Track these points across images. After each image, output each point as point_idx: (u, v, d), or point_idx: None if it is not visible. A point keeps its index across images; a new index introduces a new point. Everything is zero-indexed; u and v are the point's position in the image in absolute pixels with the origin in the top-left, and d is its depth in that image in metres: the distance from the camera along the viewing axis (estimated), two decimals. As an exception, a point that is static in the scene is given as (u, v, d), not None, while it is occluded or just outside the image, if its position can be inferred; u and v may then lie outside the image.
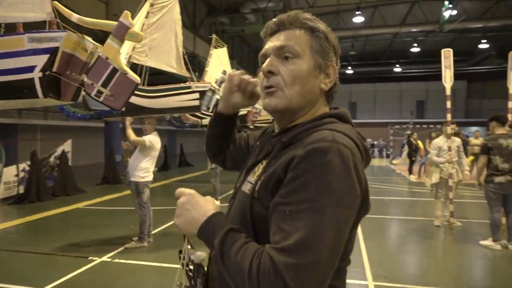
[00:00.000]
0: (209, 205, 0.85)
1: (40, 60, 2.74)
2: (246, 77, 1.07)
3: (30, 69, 2.74)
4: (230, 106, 1.12)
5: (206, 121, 9.26)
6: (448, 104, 6.08)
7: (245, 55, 28.19)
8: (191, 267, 0.92)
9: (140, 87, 5.14)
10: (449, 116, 5.97)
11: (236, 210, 0.91)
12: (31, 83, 2.73)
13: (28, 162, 8.77)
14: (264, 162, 0.89)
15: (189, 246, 0.93)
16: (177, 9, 6.35)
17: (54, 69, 2.87)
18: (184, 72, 6.22)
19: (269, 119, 12.57)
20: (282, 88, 0.87)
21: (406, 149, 14.64)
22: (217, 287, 0.90)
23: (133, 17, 3.63)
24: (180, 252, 0.95)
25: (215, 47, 8.55)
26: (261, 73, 0.91)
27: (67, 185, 9.36)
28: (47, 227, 6.44)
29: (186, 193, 0.87)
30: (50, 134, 15.76)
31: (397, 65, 31.88)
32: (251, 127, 10.04)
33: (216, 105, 6.79)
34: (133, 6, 13.84)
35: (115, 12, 13.53)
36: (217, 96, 6.42)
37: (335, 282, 0.82)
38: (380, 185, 11.14)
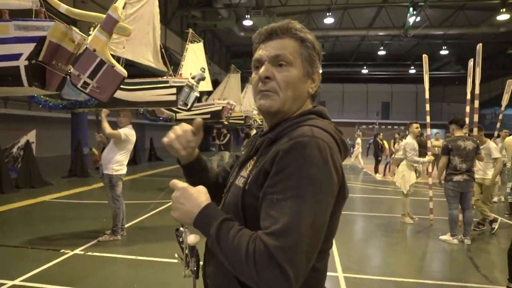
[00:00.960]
0: (201, 197, 0.93)
1: (26, 49, 2.69)
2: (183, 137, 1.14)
3: (16, 57, 2.68)
4: (185, 158, 1.18)
5: (180, 115, 9.21)
6: (427, 107, 6.34)
7: (217, 50, 28.03)
8: (186, 251, 1.03)
9: (130, 80, 5.08)
10: (428, 118, 6.32)
11: (230, 201, 1.01)
12: (16, 71, 2.68)
13: (-10, 153, 8.35)
14: (254, 158, 1.01)
15: (185, 229, 1.02)
16: (155, 2, 6.27)
17: (40, 58, 2.82)
18: (161, 66, 6.17)
19: (242, 116, 12.72)
20: (277, 92, 0.98)
21: (357, 149, 15.47)
22: (211, 272, 1.03)
23: (108, 6, 3.60)
24: (177, 230, 1.05)
25: (191, 42, 8.51)
26: (254, 76, 1.01)
27: (32, 177, 8.98)
28: (13, 220, 6.20)
29: (179, 187, 0.95)
30: (11, 124, 14.98)
31: (364, 67, 32.94)
32: (225, 122, 10.08)
33: (194, 101, 6.84)
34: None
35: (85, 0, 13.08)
36: (196, 93, 6.44)
37: (318, 264, 0.94)
38: (347, 183, 11.55)
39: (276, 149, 0.89)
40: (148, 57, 6.14)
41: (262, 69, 0.99)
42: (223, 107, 9.62)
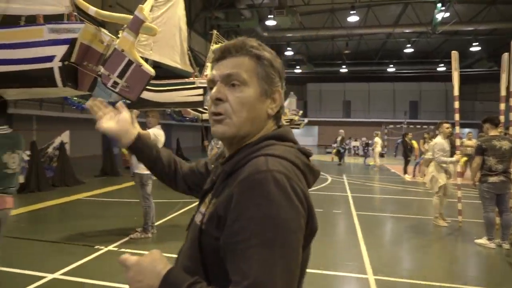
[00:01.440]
0: (158, 265, 0.82)
1: (59, 51, 2.77)
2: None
3: (50, 58, 2.78)
4: (123, 139, 1.20)
5: (206, 115, 9.30)
6: (456, 104, 6.16)
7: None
8: None
9: (157, 82, 5.20)
10: (457, 116, 6.12)
11: (189, 241, 0.93)
12: (50, 72, 2.77)
13: (28, 152, 8.76)
14: (210, 194, 0.93)
15: None
16: (181, 4, 6.38)
17: (73, 59, 2.91)
18: (188, 68, 6.26)
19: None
20: (230, 115, 0.89)
21: (378, 148, 15.35)
22: None
23: (134, 10, 3.70)
24: None
25: (216, 43, 8.59)
26: (209, 98, 0.93)
27: (66, 176, 9.38)
28: (50, 217, 6.49)
29: (129, 265, 0.83)
30: (46, 125, 15.64)
31: (391, 65, 32.22)
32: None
33: None
34: (128, -2, 13.76)
35: (111, 3, 13.50)
36: None
37: None
38: (375, 184, 11.37)
39: (229, 190, 0.80)
40: (175, 59, 6.24)
41: (213, 90, 0.92)
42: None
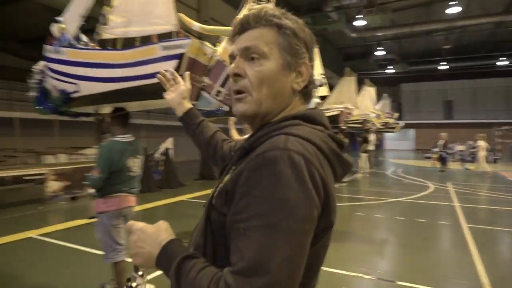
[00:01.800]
0: (161, 234, 0.81)
1: (170, 65, 3.00)
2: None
3: None
4: (176, 110, 1.44)
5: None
6: None
7: (328, 54, 27.68)
8: None
9: None
10: None
11: (202, 216, 0.88)
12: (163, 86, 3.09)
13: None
14: (228, 168, 0.88)
15: (138, 275, 0.91)
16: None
17: (181, 72, 3.15)
18: None
19: (360, 120, 12.26)
20: (250, 91, 0.83)
21: (482, 153, 14.04)
22: None
23: (227, 24, 3.86)
24: (128, 280, 0.98)
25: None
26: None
27: (171, 179, 10.31)
28: (158, 216, 7.18)
29: (134, 229, 0.83)
30: (153, 132, 17.44)
31: (502, 58, 28.28)
32: (343, 127, 9.84)
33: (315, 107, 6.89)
34: (222, 12, 14.59)
35: (205, 18, 14.45)
36: (316, 99, 6.48)
37: None
38: (488, 193, 10.08)
39: (241, 166, 0.75)
40: None
41: (232, 65, 0.86)
42: (341, 111, 9.42)
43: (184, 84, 1.42)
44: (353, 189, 10.54)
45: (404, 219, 6.81)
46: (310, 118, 0.83)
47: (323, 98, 12.74)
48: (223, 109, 4.85)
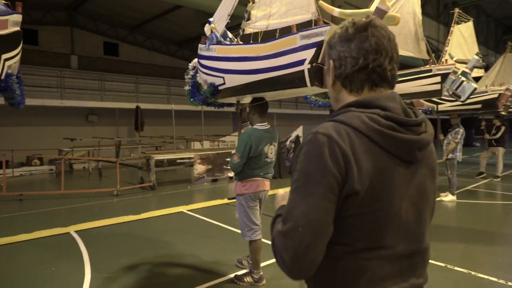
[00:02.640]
0: (285, 199, 1.09)
1: (309, 54, 3.01)
2: None
3: (301, 62, 3.11)
4: None
5: (442, 106, 8.38)
6: None
7: (483, 28, 23.66)
8: None
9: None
10: None
11: None
12: (301, 74, 3.07)
13: (272, 144, 10.41)
14: None
15: None
16: (415, -12, 5.94)
17: (319, 60, 3.12)
18: (424, 55, 5.79)
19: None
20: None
21: None
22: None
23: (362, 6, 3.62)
24: None
25: (457, 23, 7.49)
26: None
27: (300, 166, 10.58)
28: (289, 201, 7.51)
29: (276, 194, 1.21)
30: (284, 120, 18.15)
31: None
32: (503, 113, 8.34)
33: (471, 93, 5.99)
34: (356, -5, 13.97)
35: (339, 3, 14.05)
36: (473, 84, 5.58)
37: (365, 262, 0.92)
38: None
39: None
40: (408, 47, 5.89)
41: None
42: (500, 94, 7.95)
43: None
44: (509, 185, 8.89)
45: None
46: (364, 104, 0.96)
47: (477, 79, 11.03)
48: None
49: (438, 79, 5.51)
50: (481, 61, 5.68)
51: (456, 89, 5.46)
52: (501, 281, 3.50)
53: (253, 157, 3.31)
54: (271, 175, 3.54)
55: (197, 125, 14.15)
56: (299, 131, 11.35)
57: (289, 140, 11.26)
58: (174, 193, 7.95)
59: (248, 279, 3.45)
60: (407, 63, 8.43)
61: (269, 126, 3.49)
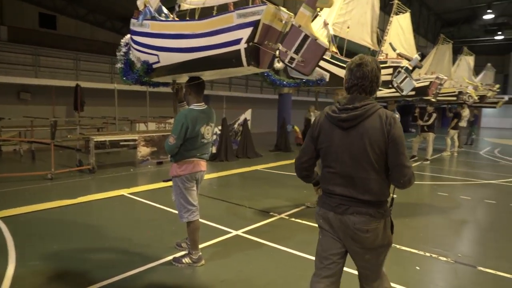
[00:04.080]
0: None
1: (246, 33, 2.95)
2: None
3: (237, 41, 3.04)
4: None
5: (380, 93, 8.83)
6: None
7: (424, 20, 25.07)
8: None
9: (342, 58, 5.22)
10: None
11: None
12: (238, 53, 3.02)
13: (220, 127, 10.35)
14: None
15: None
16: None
17: (255, 40, 3.02)
18: (376, 47, 6.04)
19: (454, 92, 11.05)
20: None
21: None
22: None
23: None
24: None
25: (396, 14, 7.85)
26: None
27: (248, 149, 10.66)
28: (234, 183, 7.56)
29: None
30: (233, 104, 18.04)
31: None
32: (433, 100, 8.96)
33: (409, 90, 6.35)
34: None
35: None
36: (413, 82, 6.03)
37: (326, 174, 2.02)
38: None
39: None
40: (364, 37, 6.06)
41: None
42: (431, 82, 8.51)
43: None
44: (436, 167, 9.71)
45: (495, 203, 6.12)
46: (339, 102, 2.01)
47: (413, 69, 11.76)
48: (325, 79, 4.74)
49: (391, 71, 5.79)
50: (420, 63, 6.08)
51: (401, 83, 5.79)
52: (420, 252, 3.85)
53: (190, 138, 3.27)
54: (207, 156, 3.52)
55: (142, 106, 13.63)
56: (247, 114, 11.35)
57: (237, 123, 11.24)
58: (116, 176, 7.65)
59: (186, 260, 3.44)
60: (354, 51, 8.70)
61: (206, 106, 3.44)
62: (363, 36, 5.82)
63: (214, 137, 10.56)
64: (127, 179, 7.40)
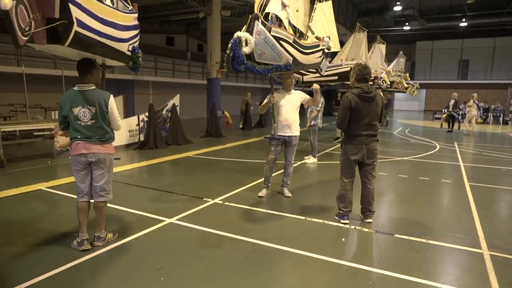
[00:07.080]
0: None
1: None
2: None
3: None
4: None
5: (307, 77, 9.24)
6: None
7: (342, 10, 26.50)
8: None
9: (303, 43, 5.21)
10: None
11: None
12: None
13: (147, 114, 9.91)
14: None
15: None
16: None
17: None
18: (305, 30, 6.25)
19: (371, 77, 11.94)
20: None
21: (472, 112, 14.93)
22: None
23: None
24: None
25: (320, 1, 8.17)
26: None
27: (178, 135, 10.40)
28: (165, 170, 7.35)
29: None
30: (160, 89, 17.36)
31: (527, 15, 26.81)
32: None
33: (325, 69, 6.78)
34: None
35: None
36: (327, 62, 6.46)
37: (354, 125, 4.04)
38: (494, 154, 10.01)
39: None
40: (300, 24, 6.17)
41: None
42: (351, 68, 9.13)
43: None
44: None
45: (407, 177, 6.86)
46: (358, 87, 3.96)
47: (334, 54, 12.42)
48: (292, 64, 4.67)
49: (321, 53, 6.06)
50: (329, 45, 6.44)
51: (319, 63, 6.10)
52: (346, 226, 4.16)
53: (68, 119, 3.31)
54: (98, 139, 3.32)
55: (57, 92, 12.44)
56: (175, 100, 11.03)
57: (165, 109, 10.86)
58: (31, 170, 6.93)
59: (74, 243, 3.43)
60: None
61: (91, 88, 3.29)
62: (299, 23, 5.98)
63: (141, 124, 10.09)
64: (45, 172, 6.76)
